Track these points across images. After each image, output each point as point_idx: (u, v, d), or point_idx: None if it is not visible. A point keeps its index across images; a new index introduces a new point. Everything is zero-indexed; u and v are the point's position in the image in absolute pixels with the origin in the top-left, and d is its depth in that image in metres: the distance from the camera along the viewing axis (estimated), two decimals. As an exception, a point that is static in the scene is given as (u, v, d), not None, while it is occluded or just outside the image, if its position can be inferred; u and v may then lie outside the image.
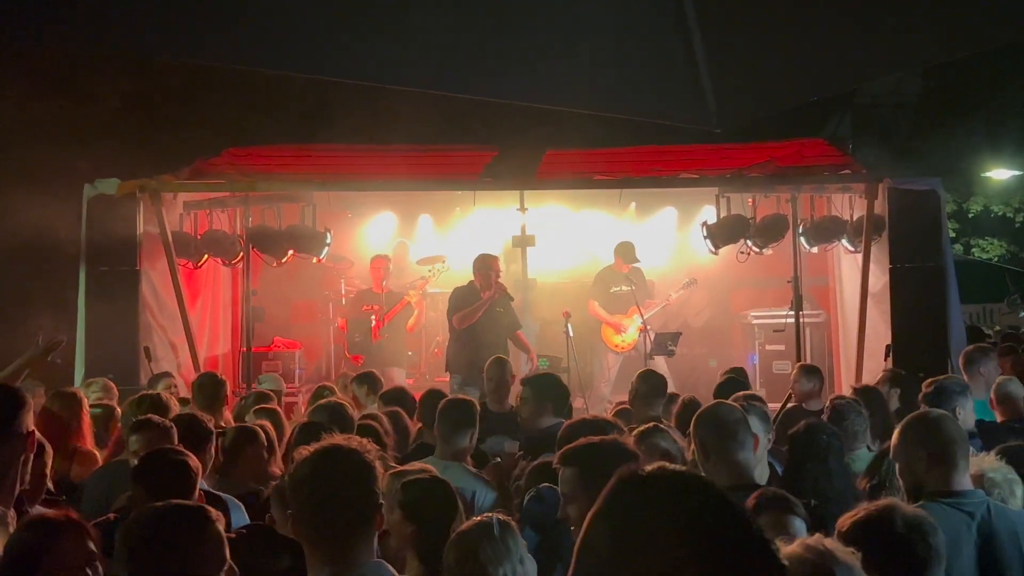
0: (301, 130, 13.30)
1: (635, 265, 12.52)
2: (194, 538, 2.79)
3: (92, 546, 3.01)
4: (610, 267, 12.61)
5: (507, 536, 3.53)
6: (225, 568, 2.80)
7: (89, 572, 2.91)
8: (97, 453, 6.18)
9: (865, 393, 7.37)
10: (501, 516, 3.61)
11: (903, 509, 3.07)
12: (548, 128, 12.86)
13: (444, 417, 5.74)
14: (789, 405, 9.24)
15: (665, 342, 11.83)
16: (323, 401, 6.51)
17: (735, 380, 7.99)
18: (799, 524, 3.50)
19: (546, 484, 4.59)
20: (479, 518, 3.60)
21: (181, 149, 11.43)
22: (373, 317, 11.94)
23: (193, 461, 4.15)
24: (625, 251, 12.46)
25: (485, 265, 10.73)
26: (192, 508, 2.97)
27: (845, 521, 3.04)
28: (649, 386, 7.10)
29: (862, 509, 3.09)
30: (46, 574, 2.95)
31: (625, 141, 12.27)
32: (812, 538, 2.25)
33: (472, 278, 10.83)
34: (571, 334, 11.66)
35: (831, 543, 2.26)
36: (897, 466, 4.17)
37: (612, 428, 4.75)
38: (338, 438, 3.04)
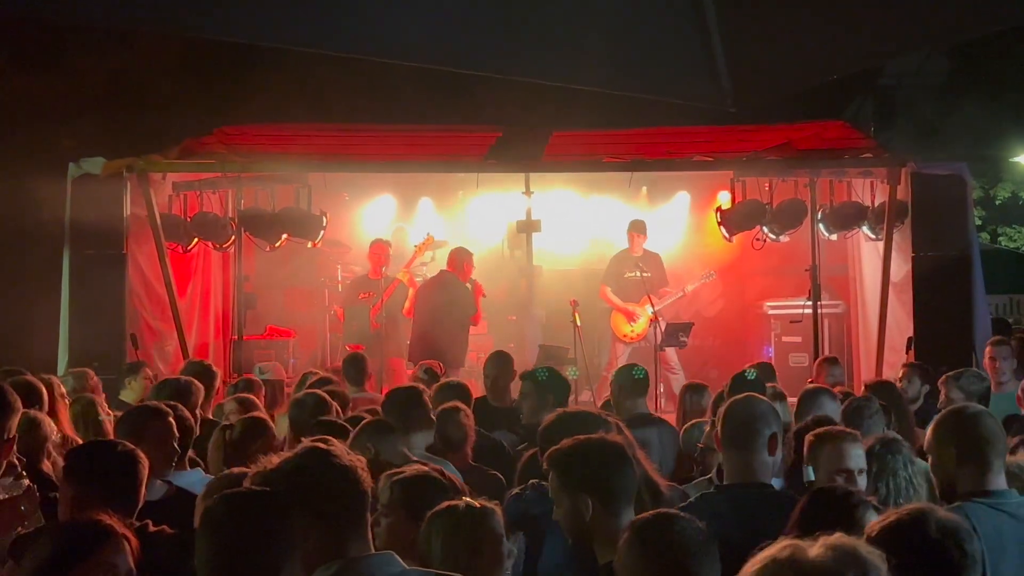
0: (296, 108, 13.26)
1: (649, 248, 12.51)
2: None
3: (131, 561, 2.99)
4: (625, 251, 12.59)
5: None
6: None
7: None
8: (80, 441, 6.16)
9: (879, 389, 7.36)
10: (476, 503, 3.68)
11: (937, 513, 3.05)
12: (555, 107, 12.83)
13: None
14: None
15: (677, 333, 11.82)
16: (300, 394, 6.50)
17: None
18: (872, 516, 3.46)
19: (534, 481, 4.58)
20: (453, 501, 3.70)
21: (170, 127, 11.42)
22: (369, 303, 11.92)
23: (140, 455, 3.97)
24: (635, 224, 12.45)
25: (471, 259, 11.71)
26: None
27: (875, 526, 3.02)
28: (631, 381, 7.09)
29: (893, 513, 3.07)
30: (84, 572, 2.94)
31: (636, 122, 12.23)
32: (834, 537, 2.21)
33: (445, 268, 11.71)
34: (579, 324, 11.64)
35: (856, 542, 2.22)
36: (929, 460, 4.17)
37: (597, 421, 4.63)
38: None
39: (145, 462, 3.95)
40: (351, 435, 5.12)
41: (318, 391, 6.41)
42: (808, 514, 3.47)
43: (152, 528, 3.77)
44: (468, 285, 11.55)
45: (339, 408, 6.42)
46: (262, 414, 6.30)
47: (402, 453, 5.16)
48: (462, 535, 3.54)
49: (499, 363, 7.97)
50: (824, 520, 3.27)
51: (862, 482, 4.42)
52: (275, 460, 2.94)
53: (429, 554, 3.51)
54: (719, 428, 4.31)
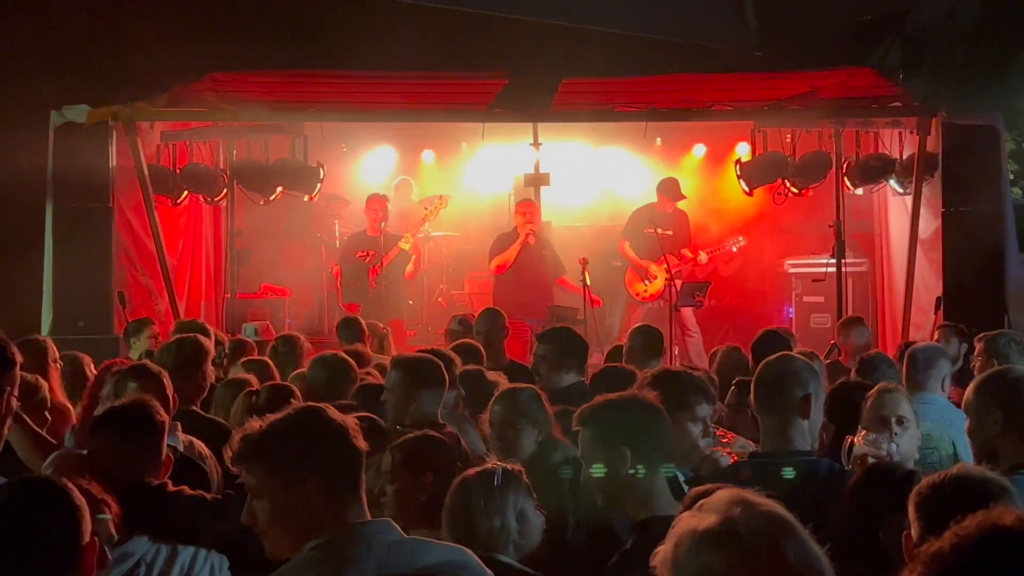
0: (291, 53, 13.16)
1: (680, 206, 12.48)
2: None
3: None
4: (651, 206, 12.54)
5: (508, 488, 3.72)
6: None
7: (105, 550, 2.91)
8: (70, 406, 6.20)
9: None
10: (509, 466, 3.77)
11: (975, 474, 3.04)
12: (565, 52, 12.72)
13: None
14: (828, 361, 9.28)
15: (692, 292, 11.80)
16: (323, 354, 6.52)
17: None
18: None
19: None
20: (487, 465, 3.79)
21: (158, 73, 11.33)
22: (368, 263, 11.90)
23: (160, 415, 4.13)
24: (669, 187, 12.41)
25: (520, 210, 11.78)
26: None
27: (922, 487, 2.99)
28: (644, 342, 7.11)
29: (937, 475, 3.06)
30: None
31: (651, 68, 12.17)
32: (730, 492, 2.15)
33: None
34: (588, 283, 11.64)
35: (758, 498, 2.15)
36: (968, 423, 4.15)
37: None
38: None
39: (167, 422, 4.11)
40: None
41: (340, 352, 6.46)
42: (861, 495, 3.44)
43: (171, 488, 3.85)
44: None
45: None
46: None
47: (432, 413, 5.18)
48: (487, 501, 3.57)
49: (490, 319, 8.02)
50: (879, 503, 3.27)
51: (903, 433, 4.44)
52: (261, 424, 2.94)
53: (454, 524, 3.54)
54: (752, 391, 4.30)
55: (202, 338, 6.01)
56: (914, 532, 2.86)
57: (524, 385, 5.15)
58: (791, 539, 2.08)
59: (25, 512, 2.72)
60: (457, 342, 7.34)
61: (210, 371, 5.94)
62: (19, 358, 3.52)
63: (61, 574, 2.70)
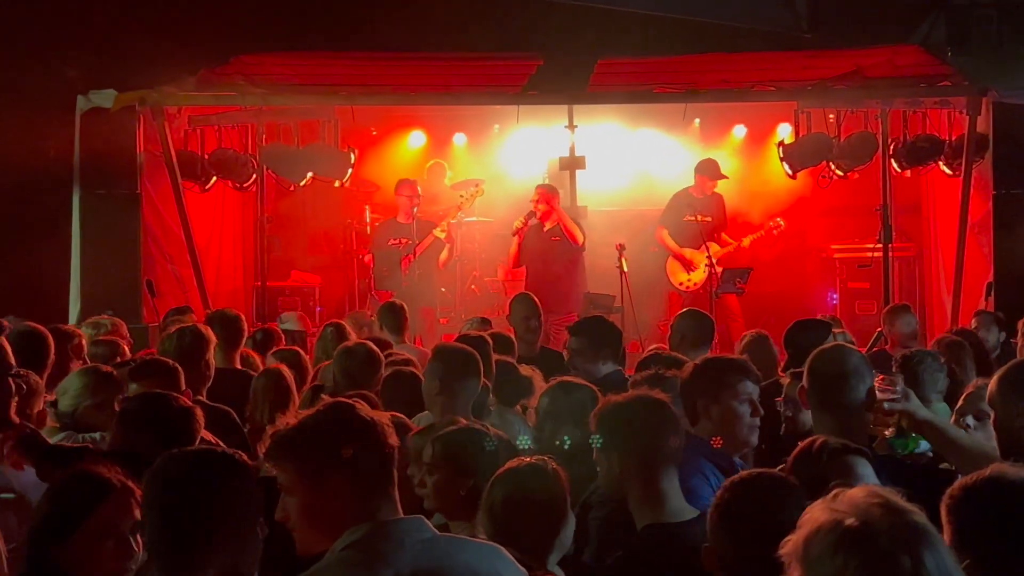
0: (320, 34, 13.16)
1: (718, 188, 12.40)
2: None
3: (137, 512, 3.06)
4: (687, 191, 12.45)
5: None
6: None
7: (131, 541, 2.95)
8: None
9: (960, 336, 7.27)
10: (553, 463, 3.74)
11: (1009, 475, 2.97)
12: (601, 32, 12.66)
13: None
14: (875, 350, 9.19)
15: (733, 278, 11.73)
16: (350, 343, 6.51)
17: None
18: (863, 467, 3.46)
19: None
20: (531, 459, 3.77)
21: (185, 56, 11.35)
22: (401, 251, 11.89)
23: (181, 402, 4.14)
24: (709, 167, 12.30)
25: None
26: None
27: (954, 489, 2.93)
28: (696, 327, 7.01)
29: (970, 476, 3.00)
30: (85, 535, 3.07)
31: (690, 48, 12.10)
32: (869, 491, 2.14)
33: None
34: (625, 269, 11.58)
35: (901, 503, 2.12)
36: (992, 416, 4.09)
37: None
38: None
39: (201, 420, 4.12)
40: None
41: (367, 342, 6.44)
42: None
43: None
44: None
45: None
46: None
47: (467, 405, 5.13)
48: (526, 496, 3.57)
49: (529, 303, 7.98)
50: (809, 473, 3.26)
51: (980, 428, 4.41)
52: (293, 420, 2.97)
53: (490, 518, 3.54)
54: (806, 383, 4.21)
55: (203, 327, 6.02)
56: (946, 536, 2.79)
57: (584, 382, 5.10)
58: (932, 552, 2.05)
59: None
60: (491, 331, 7.28)
61: (213, 360, 5.94)
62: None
63: None
